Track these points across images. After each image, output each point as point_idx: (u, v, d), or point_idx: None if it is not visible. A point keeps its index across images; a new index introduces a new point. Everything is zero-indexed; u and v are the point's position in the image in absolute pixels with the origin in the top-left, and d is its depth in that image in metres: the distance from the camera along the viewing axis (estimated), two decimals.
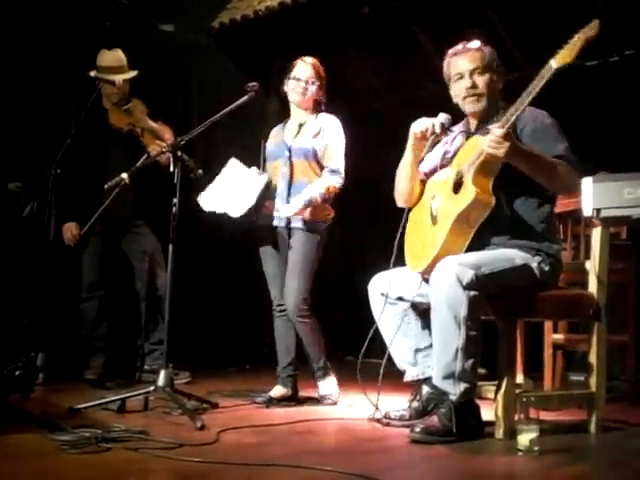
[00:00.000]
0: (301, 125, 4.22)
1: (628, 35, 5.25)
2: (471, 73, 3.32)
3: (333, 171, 4.08)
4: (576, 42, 2.91)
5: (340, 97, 5.39)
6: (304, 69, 4.18)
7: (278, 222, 4.12)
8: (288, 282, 4.06)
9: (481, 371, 3.28)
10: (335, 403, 4.05)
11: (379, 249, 5.22)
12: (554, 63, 2.95)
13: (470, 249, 3.13)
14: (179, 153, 3.65)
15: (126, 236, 4.79)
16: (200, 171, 3.76)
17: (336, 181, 4.07)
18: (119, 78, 4.66)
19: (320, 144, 4.11)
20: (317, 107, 4.22)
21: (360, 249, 6.59)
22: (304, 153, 4.11)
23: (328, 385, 4.11)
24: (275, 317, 4.22)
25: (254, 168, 4.15)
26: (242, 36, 6.54)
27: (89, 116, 4.50)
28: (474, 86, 3.32)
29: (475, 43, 3.38)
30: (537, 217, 3.21)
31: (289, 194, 4.08)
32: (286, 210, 4.01)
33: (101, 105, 4.76)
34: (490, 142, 3.00)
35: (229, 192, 4.06)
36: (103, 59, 4.73)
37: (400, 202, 3.60)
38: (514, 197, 3.20)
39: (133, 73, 4.77)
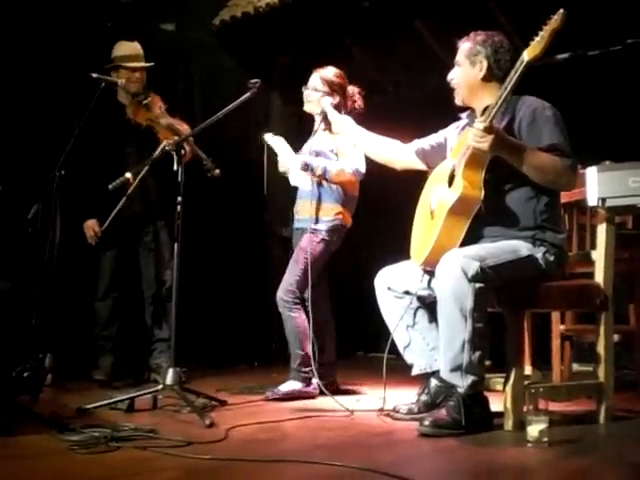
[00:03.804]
0: (313, 131, 4.35)
1: (630, 24, 5.23)
2: (455, 63, 3.43)
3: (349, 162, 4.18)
4: (544, 35, 2.97)
5: None
6: (312, 77, 4.32)
7: (297, 224, 4.36)
8: (286, 273, 4.25)
9: (486, 363, 3.28)
10: (275, 399, 4.00)
11: (386, 243, 5.24)
12: (526, 56, 3.01)
13: (469, 240, 3.14)
14: (183, 152, 3.65)
15: (144, 232, 4.76)
16: (217, 171, 3.76)
17: (350, 167, 4.14)
18: (136, 65, 4.66)
19: (331, 145, 4.25)
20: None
21: (367, 243, 6.60)
22: (315, 153, 4.24)
23: (287, 386, 4.11)
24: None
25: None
26: (243, 33, 6.53)
27: (103, 112, 4.53)
28: (452, 79, 3.44)
29: (469, 35, 3.43)
30: (536, 207, 3.20)
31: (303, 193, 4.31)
32: (293, 161, 4.17)
33: (116, 101, 4.73)
34: (473, 136, 3.05)
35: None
36: (119, 49, 4.72)
37: (396, 168, 3.78)
38: (512, 188, 3.20)
39: (149, 64, 4.75)
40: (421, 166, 3.70)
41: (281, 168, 4.24)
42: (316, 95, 4.23)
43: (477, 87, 3.36)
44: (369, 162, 4.08)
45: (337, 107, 4.21)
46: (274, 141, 4.28)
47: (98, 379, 4.49)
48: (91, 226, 4.60)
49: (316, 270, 4.19)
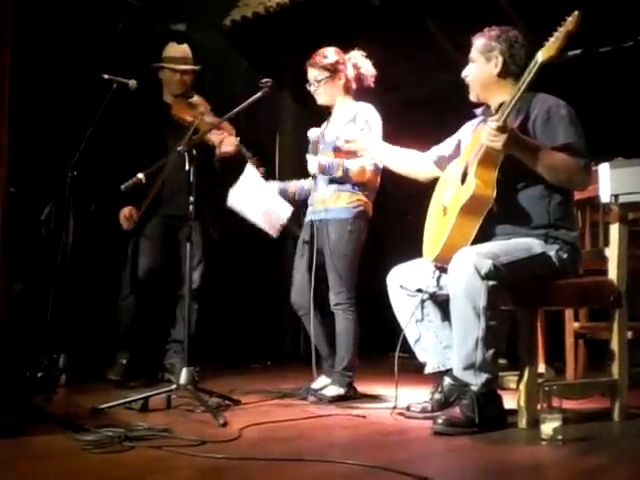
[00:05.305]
0: (328, 120, 4.24)
1: None
2: (470, 60, 3.42)
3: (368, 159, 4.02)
4: (559, 36, 2.95)
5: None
6: (308, 72, 4.17)
7: (312, 216, 4.17)
8: (328, 275, 4.07)
9: (502, 362, 3.27)
10: (318, 401, 3.87)
11: (398, 242, 5.24)
12: (540, 57, 3.00)
13: (482, 238, 3.14)
14: (194, 152, 3.65)
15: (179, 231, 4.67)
16: (261, 168, 3.89)
17: (370, 164, 3.99)
18: (181, 68, 4.70)
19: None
20: (347, 92, 4.16)
21: (379, 242, 6.59)
22: (331, 145, 4.08)
23: (332, 390, 3.98)
24: (300, 316, 4.22)
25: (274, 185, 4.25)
26: (254, 33, 6.54)
27: (148, 110, 4.65)
28: (467, 75, 3.44)
29: (483, 30, 3.43)
30: (549, 205, 3.19)
31: (316, 184, 4.12)
32: (310, 164, 4.02)
33: (161, 100, 4.77)
34: (487, 135, 3.05)
35: (257, 203, 4.13)
36: (168, 50, 4.77)
37: (419, 179, 3.77)
38: (525, 187, 3.20)
39: (196, 67, 4.79)
40: (440, 174, 3.68)
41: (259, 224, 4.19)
42: (325, 87, 4.11)
43: (492, 83, 3.34)
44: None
45: (346, 86, 4.14)
46: (242, 199, 4.13)
47: (113, 379, 4.48)
48: (129, 211, 4.55)
49: (357, 263, 4.07)
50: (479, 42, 3.39)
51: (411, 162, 3.74)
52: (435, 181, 3.63)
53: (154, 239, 4.64)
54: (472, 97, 3.45)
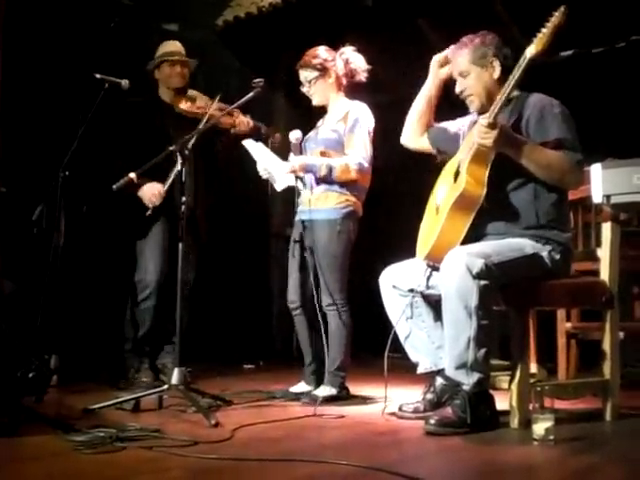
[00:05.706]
0: (324, 118, 4.23)
1: (634, 21, 5.22)
2: (459, 75, 3.39)
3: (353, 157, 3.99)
4: (546, 31, 2.97)
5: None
6: (300, 74, 4.16)
7: (301, 216, 4.15)
8: (319, 276, 4.04)
9: (504, 363, 3.27)
10: (311, 404, 3.72)
11: (391, 242, 5.23)
12: (528, 52, 3.01)
13: (475, 238, 3.14)
14: (186, 152, 3.64)
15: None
16: (278, 135, 3.86)
17: (355, 162, 3.95)
18: (181, 59, 4.71)
19: (341, 132, 4.06)
20: (339, 89, 4.15)
21: (372, 242, 6.59)
22: (323, 143, 4.09)
23: (324, 390, 3.95)
24: (293, 316, 4.20)
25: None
26: (247, 33, 6.53)
27: (147, 108, 4.63)
28: (463, 90, 3.39)
29: (461, 42, 3.41)
30: (543, 206, 3.19)
31: (306, 184, 4.10)
32: (291, 161, 4.03)
33: (158, 97, 4.75)
34: (477, 132, 3.06)
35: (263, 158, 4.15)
36: (163, 47, 4.76)
37: (403, 137, 3.75)
38: (518, 186, 3.20)
39: (193, 60, 4.81)
40: (427, 148, 3.69)
41: (263, 175, 4.11)
42: (316, 87, 4.10)
43: (495, 88, 3.29)
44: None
45: (338, 83, 4.12)
46: (253, 147, 4.15)
47: (145, 381, 4.41)
48: (154, 186, 4.43)
49: (348, 263, 4.05)
50: (465, 53, 3.36)
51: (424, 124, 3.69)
52: (433, 180, 3.62)
53: (163, 241, 4.61)
54: (473, 109, 3.39)
